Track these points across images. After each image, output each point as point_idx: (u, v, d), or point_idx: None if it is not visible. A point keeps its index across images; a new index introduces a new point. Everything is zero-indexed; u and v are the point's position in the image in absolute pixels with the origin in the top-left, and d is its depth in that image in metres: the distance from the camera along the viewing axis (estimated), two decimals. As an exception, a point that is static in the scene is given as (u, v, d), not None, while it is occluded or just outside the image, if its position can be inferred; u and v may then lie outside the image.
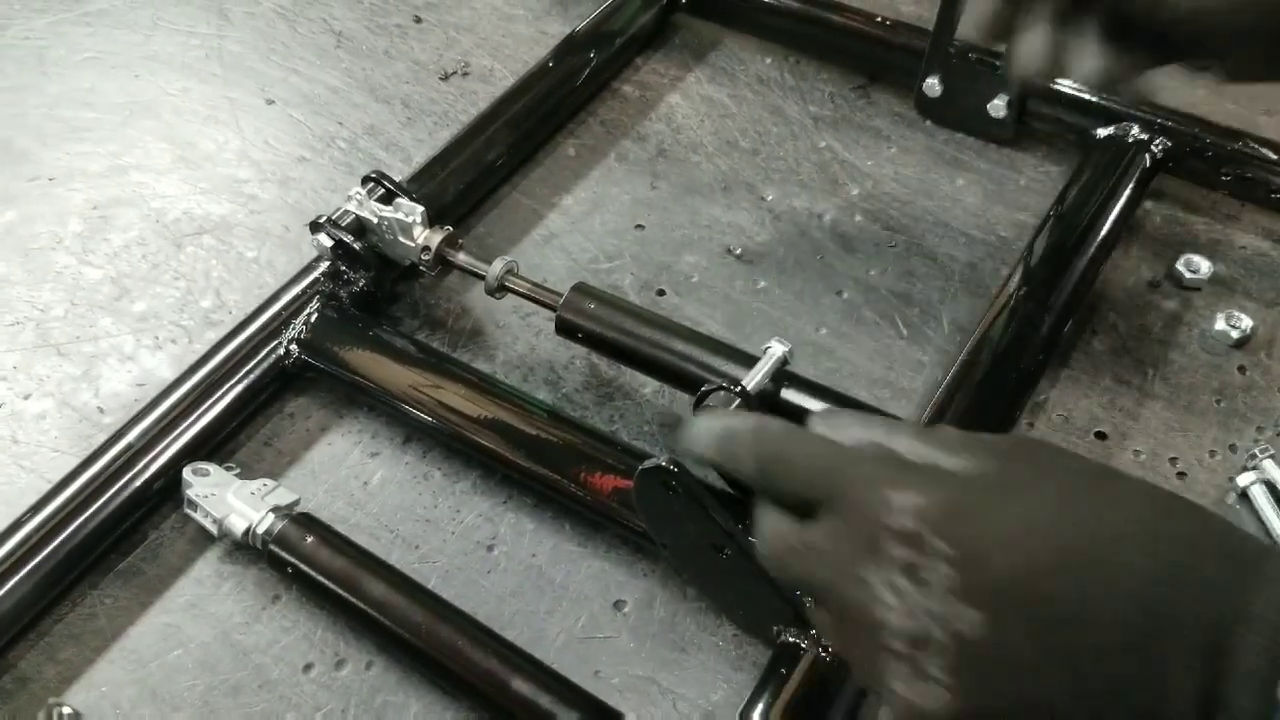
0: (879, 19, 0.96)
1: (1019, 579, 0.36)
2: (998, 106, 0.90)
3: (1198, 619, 0.34)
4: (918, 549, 0.38)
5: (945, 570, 0.37)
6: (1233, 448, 0.73)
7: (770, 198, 0.90)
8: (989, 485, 0.40)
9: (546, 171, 0.93)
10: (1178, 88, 0.95)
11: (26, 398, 0.79)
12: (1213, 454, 0.73)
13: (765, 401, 0.62)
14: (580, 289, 0.71)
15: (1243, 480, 0.70)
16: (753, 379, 0.62)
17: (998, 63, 0.88)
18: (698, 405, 0.60)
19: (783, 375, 0.64)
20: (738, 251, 0.86)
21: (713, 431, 0.47)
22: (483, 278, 0.74)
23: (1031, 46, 0.56)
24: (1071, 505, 0.38)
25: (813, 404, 0.64)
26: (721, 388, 0.59)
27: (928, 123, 0.95)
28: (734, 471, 0.47)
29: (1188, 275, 0.81)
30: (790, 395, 0.64)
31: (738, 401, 0.59)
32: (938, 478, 0.41)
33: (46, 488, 0.69)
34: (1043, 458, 0.43)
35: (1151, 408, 0.76)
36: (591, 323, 0.70)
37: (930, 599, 0.37)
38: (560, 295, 0.71)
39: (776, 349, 0.64)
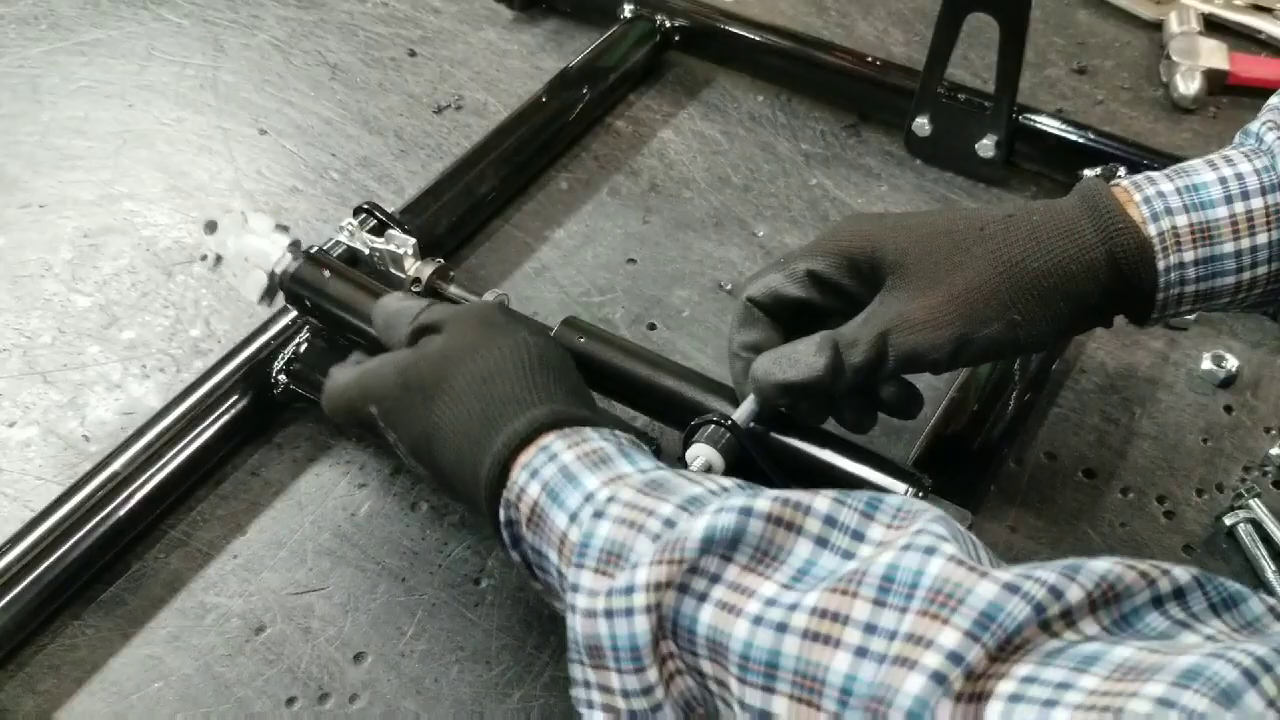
0: (870, 59, 0.97)
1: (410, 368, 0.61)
2: (986, 146, 0.90)
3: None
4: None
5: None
6: (1220, 487, 0.73)
7: (761, 234, 0.90)
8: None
9: (539, 205, 0.94)
10: (1163, 129, 0.97)
11: (11, 425, 0.78)
12: (1200, 493, 0.73)
13: (755, 438, 0.62)
14: (569, 323, 0.71)
15: (1230, 520, 0.70)
16: (742, 414, 0.62)
17: (986, 103, 0.89)
18: (687, 440, 0.60)
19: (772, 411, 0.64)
20: (729, 287, 0.86)
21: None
22: (473, 310, 0.74)
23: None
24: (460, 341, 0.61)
25: (801, 442, 0.64)
26: (711, 422, 0.60)
27: (917, 162, 0.96)
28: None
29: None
30: (779, 431, 0.64)
31: (726, 437, 0.59)
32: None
33: (30, 516, 0.68)
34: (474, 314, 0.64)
35: (1139, 446, 0.76)
36: (580, 356, 0.70)
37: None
38: (550, 329, 0.71)
39: (766, 384, 0.64)
